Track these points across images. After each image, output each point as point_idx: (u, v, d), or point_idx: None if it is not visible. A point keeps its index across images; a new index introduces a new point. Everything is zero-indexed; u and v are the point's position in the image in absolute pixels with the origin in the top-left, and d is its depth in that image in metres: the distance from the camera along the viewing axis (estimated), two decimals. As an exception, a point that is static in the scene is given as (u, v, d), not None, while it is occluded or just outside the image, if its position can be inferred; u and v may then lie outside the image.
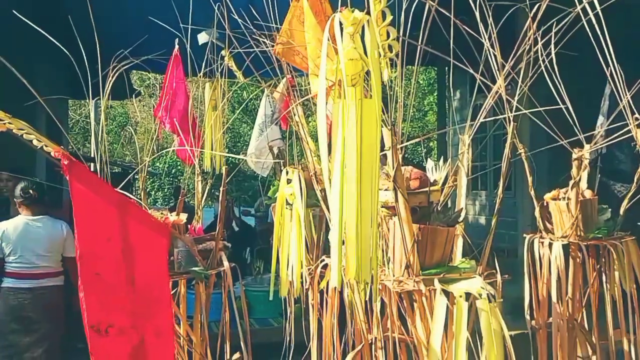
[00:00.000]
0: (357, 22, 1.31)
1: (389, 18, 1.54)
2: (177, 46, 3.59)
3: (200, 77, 3.11)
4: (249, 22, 2.57)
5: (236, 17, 2.42)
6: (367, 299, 2.05)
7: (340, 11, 1.34)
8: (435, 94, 18.33)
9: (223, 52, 3.46)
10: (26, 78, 2.27)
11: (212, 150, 3.69)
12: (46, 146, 2.47)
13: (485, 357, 1.65)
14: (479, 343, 1.81)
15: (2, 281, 4.42)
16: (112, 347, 1.84)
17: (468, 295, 1.72)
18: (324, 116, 1.24)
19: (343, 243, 1.34)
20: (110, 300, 1.81)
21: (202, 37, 3.55)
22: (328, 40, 1.40)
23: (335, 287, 2.60)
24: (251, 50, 2.55)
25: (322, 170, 1.28)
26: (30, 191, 4.43)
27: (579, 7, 2.15)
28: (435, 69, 11.94)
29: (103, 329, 1.83)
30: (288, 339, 3.01)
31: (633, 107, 2.38)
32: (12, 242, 4.42)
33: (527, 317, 2.72)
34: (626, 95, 2.30)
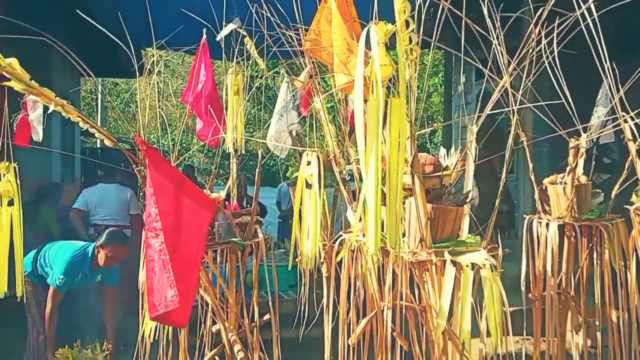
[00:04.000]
0: (388, 33, 1.57)
1: (412, 26, 1.80)
2: (204, 35, 3.82)
3: (229, 64, 3.34)
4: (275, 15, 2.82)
5: (268, 14, 2.65)
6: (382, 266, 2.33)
7: (375, 23, 1.60)
8: (440, 75, 18.40)
9: (246, 40, 3.69)
10: (41, 55, 2.53)
11: (232, 132, 3.91)
12: (91, 127, 2.73)
13: (487, 318, 1.94)
14: (478, 307, 2.10)
15: (89, 230, 6.31)
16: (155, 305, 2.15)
17: (473, 265, 2.00)
18: (361, 112, 1.51)
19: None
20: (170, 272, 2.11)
21: (224, 31, 3.73)
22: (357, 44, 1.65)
23: (351, 259, 2.86)
24: (275, 36, 2.78)
25: (359, 156, 1.55)
26: (98, 171, 6.60)
27: (578, 12, 2.40)
28: (442, 51, 12.09)
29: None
30: (302, 309, 3.26)
31: (625, 102, 2.63)
32: (93, 202, 6.45)
33: (523, 289, 3.00)
34: (618, 92, 2.55)
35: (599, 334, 3.16)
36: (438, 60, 17.91)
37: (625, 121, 2.56)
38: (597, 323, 3.14)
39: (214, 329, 2.83)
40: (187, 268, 2.15)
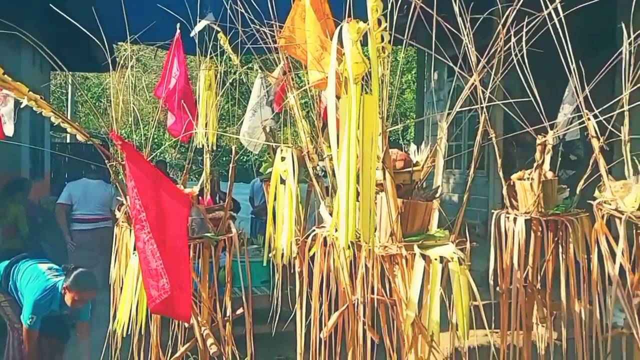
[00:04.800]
0: (360, 31, 1.61)
1: (384, 25, 1.84)
2: (178, 30, 3.82)
3: (202, 59, 3.35)
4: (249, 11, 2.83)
5: (242, 10, 2.67)
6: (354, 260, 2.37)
7: (348, 22, 1.63)
8: (413, 72, 18.58)
9: (219, 35, 3.70)
10: (10, 49, 2.53)
11: (205, 128, 3.92)
12: (63, 122, 2.72)
13: (455, 309, 1.99)
14: (446, 299, 2.15)
15: (71, 225, 6.60)
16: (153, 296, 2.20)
17: (442, 258, 2.05)
18: (334, 110, 1.54)
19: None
20: (159, 261, 2.14)
21: (198, 27, 3.74)
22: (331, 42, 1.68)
23: (324, 254, 2.89)
24: (249, 32, 2.80)
25: (332, 152, 1.58)
26: (92, 166, 6.70)
27: (545, 13, 2.47)
28: (416, 48, 12.19)
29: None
30: (275, 304, 3.29)
31: (590, 100, 2.72)
32: (77, 196, 6.65)
33: (491, 282, 3.08)
34: (584, 91, 2.62)
35: (563, 325, 3.25)
36: (411, 57, 18.06)
37: (589, 119, 2.64)
38: (562, 315, 3.23)
39: (186, 323, 2.85)
40: (179, 262, 2.18)
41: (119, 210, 3.03)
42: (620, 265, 2.68)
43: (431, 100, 10.84)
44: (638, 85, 2.57)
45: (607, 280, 2.89)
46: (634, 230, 2.66)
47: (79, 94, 24.26)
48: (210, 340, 2.67)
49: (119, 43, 6.68)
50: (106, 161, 2.75)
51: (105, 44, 2.89)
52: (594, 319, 2.99)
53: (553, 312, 3.34)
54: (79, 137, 2.71)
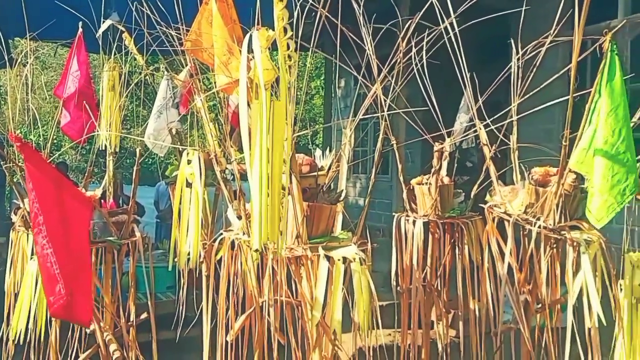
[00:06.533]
0: (270, 39, 1.65)
1: (290, 33, 1.89)
2: (80, 29, 3.69)
3: (106, 59, 3.28)
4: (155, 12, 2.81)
5: (148, 12, 2.64)
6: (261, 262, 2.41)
7: (258, 29, 1.67)
8: (322, 78, 18.83)
9: (124, 35, 3.62)
10: None
11: (107, 129, 3.82)
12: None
13: (357, 306, 2.08)
14: (349, 297, 2.24)
15: None
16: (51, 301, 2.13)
17: (345, 259, 2.13)
18: (245, 115, 1.57)
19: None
20: (55, 265, 2.07)
21: (102, 27, 3.65)
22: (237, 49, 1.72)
23: (231, 257, 2.90)
24: (154, 33, 2.78)
25: (245, 157, 1.61)
26: None
27: (442, 26, 2.62)
28: (323, 54, 12.35)
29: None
30: (180, 309, 3.25)
31: (483, 110, 2.90)
32: None
33: (394, 283, 3.21)
34: (477, 101, 2.80)
35: (460, 322, 3.43)
36: (320, 63, 18.28)
37: (481, 128, 2.83)
38: (459, 313, 3.41)
39: (87, 329, 2.77)
40: (80, 266, 2.12)
41: (15, 214, 2.90)
42: (509, 264, 2.87)
43: (337, 107, 11.05)
44: (525, 97, 2.77)
45: (498, 279, 3.08)
46: (521, 232, 2.86)
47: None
48: (113, 346, 2.62)
49: (16, 39, 6.37)
50: (2, 163, 2.64)
51: (2, 39, 2.77)
52: (487, 315, 3.18)
53: (450, 310, 3.52)
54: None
